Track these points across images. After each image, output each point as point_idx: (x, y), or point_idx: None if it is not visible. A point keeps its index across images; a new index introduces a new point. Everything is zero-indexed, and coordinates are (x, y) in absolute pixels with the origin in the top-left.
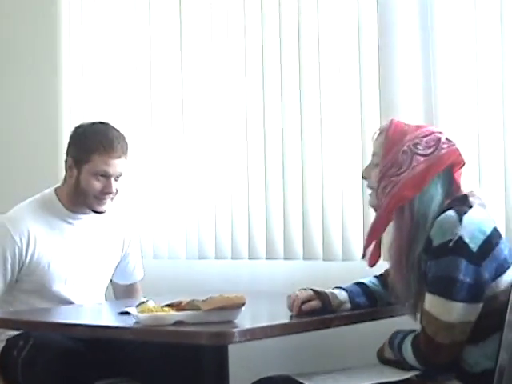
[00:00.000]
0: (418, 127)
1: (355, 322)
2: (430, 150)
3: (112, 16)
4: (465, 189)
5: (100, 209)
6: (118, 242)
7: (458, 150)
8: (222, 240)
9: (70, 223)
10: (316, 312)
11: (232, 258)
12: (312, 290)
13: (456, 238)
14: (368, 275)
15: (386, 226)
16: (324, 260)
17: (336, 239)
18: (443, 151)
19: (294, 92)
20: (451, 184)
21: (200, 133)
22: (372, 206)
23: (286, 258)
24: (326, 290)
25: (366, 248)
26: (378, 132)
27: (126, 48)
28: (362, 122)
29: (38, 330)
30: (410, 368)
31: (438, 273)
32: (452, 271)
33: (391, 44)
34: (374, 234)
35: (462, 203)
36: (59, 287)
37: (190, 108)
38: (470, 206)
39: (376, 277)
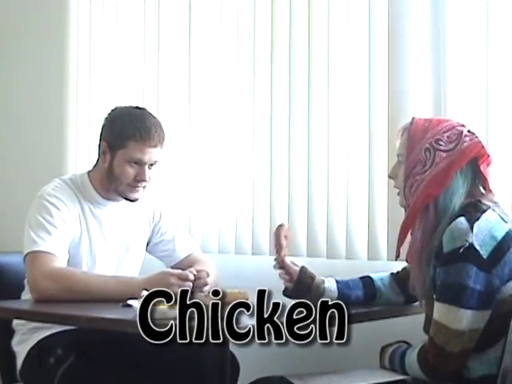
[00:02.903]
0: (439, 122)
1: (360, 321)
2: (452, 145)
3: (121, 7)
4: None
5: (132, 197)
6: (145, 217)
7: (480, 142)
8: (225, 235)
9: (100, 208)
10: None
11: (235, 253)
12: (302, 268)
13: (467, 244)
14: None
15: (414, 223)
16: (328, 258)
17: (340, 237)
18: (465, 144)
19: (303, 90)
20: (476, 178)
21: (206, 130)
22: (402, 206)
23: (289, 255)
24: (318, 279)
25: (399, 248)
26: (400, 132)
27: (134, 43)
28: (370, 122)
29: (39, 320)
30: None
31: (447, 280)
32: (462, 278)
33: (401, 38)
34: (404, 234)
35: (474, 208)
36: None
37: (197, 109)
38: (483, 211)
39: (391, 274)
